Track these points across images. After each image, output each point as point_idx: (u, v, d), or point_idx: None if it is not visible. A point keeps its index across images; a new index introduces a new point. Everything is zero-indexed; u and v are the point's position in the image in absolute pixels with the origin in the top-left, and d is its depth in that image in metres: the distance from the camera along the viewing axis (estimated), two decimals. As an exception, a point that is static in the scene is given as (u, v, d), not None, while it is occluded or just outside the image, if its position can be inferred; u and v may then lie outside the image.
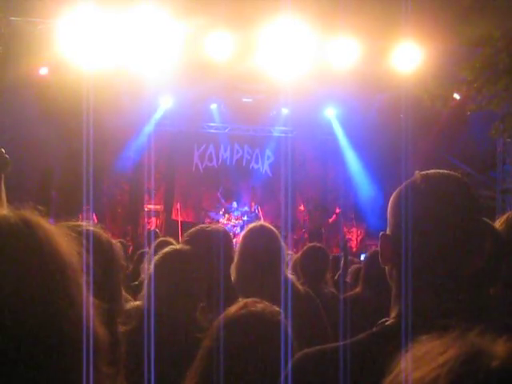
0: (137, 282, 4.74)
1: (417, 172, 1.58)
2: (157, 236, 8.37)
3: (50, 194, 13.88)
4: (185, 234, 3.82)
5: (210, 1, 9.76)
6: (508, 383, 0.76)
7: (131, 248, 11.45)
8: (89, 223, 2.11)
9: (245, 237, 3.63)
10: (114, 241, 2.19)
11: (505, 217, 2.40)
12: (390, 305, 1.56)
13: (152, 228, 15.11)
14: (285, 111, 16.68)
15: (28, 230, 1.09)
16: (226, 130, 17.48)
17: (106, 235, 2.12)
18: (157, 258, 3.05)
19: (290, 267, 4.37)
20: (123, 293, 2.27)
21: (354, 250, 16.32)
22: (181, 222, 16.42)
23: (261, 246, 3.43)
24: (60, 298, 1.07)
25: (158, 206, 17.02)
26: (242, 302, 2.09)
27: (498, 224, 2.37)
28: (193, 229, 3.76)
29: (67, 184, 12.28)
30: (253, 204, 17.28)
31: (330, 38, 10.68)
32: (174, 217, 17.05)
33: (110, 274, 2.02)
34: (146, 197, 16.45)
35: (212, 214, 16.85)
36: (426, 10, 8.66)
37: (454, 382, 0.76)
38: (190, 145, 17.64)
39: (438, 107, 11.22)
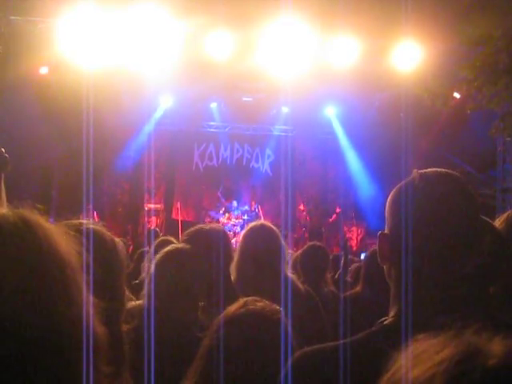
0: (137, 281, 4.75)
1: (415, 171, 1.58)
2: (157, 235, 8.40)
3: (50, 193, 13.90)
4: (183, 234, 3.83)
5: (210, 0, 9.76)
6: (504, 382, 0.76)
7: (131, 247, 11.46)
8: (91, 222, 2.11)
9: (245, 236, 3.64)
10: (117, 239, 2.19)
11: (505, 215, 2.40)
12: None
13: (152, 227, 15.12)
14: (285, 110, 16.67)
15: (27, 229, 1.09)
16: (226, 129, 17.48)
17: (109, 234, 2.12)
18: (158, 256, 3.05)
19: (289, 266, 4.37)
20: (127, 292, 2.27)
21: (355, 249, 16.32)
22: (181, 221, 16.42)
23: (261, 245, 3.44)
24: (59, 298, 1.07)
25: (159, 205, 17.02)
26: (241, 300, 2.09)
27: (498, 223, 2.36)
28: (191, 228, 3.77)
29: (67, 183, 12.29)
30: (253, 203, 17.29)
31: (330, 36, 10.68)
32: (174, 216, 17.05)
33: (113, 273, 2.02)
34: (147, 196, 16.45)
35: (212, 213, 16.86)
36: (426, 9, 8.66)
37: (450, 381, 0.76)
38: (190, 144, 17.64)
39: (438, 106, 11.21)
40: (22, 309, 1.02)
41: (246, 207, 16.90)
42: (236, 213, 16.61)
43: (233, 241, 14.85)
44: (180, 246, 3.21)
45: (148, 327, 2.41)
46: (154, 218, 16.57)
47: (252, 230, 3.61)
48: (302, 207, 17.51)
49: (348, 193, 17.34)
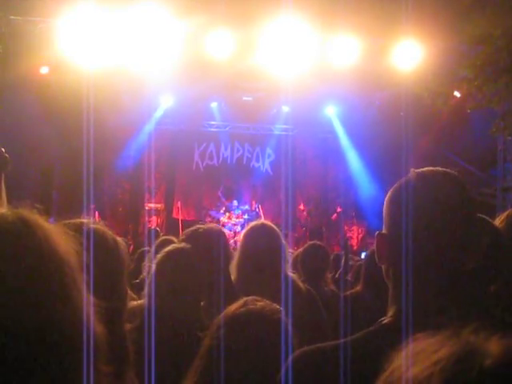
0: (138, 280, 4.75)
1: (412, 170, 1.58)
2: (157, 234, 8.40)
3: (50, 193, 13.90)
4: (181, 234, 3.83)
5: (211, -1, 9.77)
6: (501, 382, 0.76)
7: (132, 247, 11.46)
8: (93, 221, 2.11)
9: (246, 235, 3.64)
10: (119, 238, 2.19)
11: (505, 214, 2.40)
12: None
13: (153, 227, 15.12)
14: (285, 109, 16.67)
15: (26, 229, 1.09)
16: (227, 129, 17.48)
17: (110, 233, 2.11)
18: (158, 256, 3.05)
19: (290, 265, 4.37)
20: (128, 291, 2.27)
21: (355, 248, 16.32)
22: (181, 220, 16.43)
23: (262, 245, 3.44)
24: (57, 297, 1.06)
25: (159, 205, 17.03)
26: (242, 300, 2.09)
27: (499, 222, 2.36)
28: (188, 229, 3.77)
29: (68, 183, 12.30)
30: (253, 202, 17.29)
31: (330, 36, 10.68)
32: (174, 215, 17.06)
33: (114, 272, 2.02)
34: (147, 195, 16.45)
35: (213, 213, 16.86)
36: (426, 8, 8.66)
37: (446, 381, 0.76)
38: (191, 143, 17.65)
39: (439, 105, 11.22)
40: (21, 308, 1.02)
41: (247, 206, 16.90)
42: (236, 212, 16.61)
43: (233, 240, 14.91)
44: (180, 245, 3.21)
45: (149, 327, 2.42)
46: (154, 218, 16.58)
47: (252, 229, 3.61)
48: (302, 207, 17.51)
49: (348, 192, 17.34)
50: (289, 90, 11.65)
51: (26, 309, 1.03)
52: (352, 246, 16.46)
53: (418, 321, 1.37)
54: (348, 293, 4.75)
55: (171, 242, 3.69)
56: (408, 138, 9.44)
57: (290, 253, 5.58)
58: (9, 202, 2.71)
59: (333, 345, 1.51)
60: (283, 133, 17.29)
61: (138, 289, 3.60)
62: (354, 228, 17.59)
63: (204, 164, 17.81)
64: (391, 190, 1.61)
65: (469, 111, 11.24)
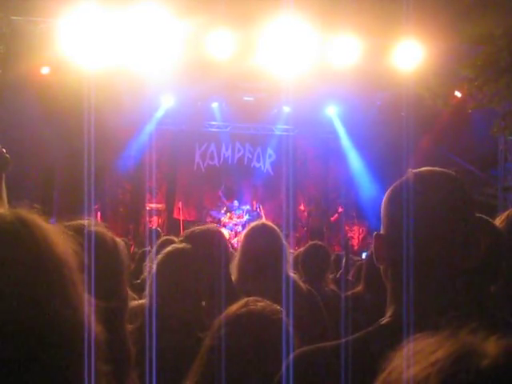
0: (139, 281, 4.75)
1: (410, 170, 1.58)
2: (158, 235, 8.41)
3: (51, 193, 13.90)
4: (181, 235, 3.83)
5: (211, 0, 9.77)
6: (498, 382, 0.76)
7: (133, 247, 11.47)
8: (92, 222, 2.11)
9: (246, 235, 3.63)
10: (118, 239, 2.19)
11: (505, 214, 2.39)
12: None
13: (154, 227, 15.13)
14: (286, 109, 16.67)
15: (24, 229, 1.09)
16: (228, 129, 17.48)
17: (110, 234, 2.12)
18: (159, 256, 3.05)
19: (291, 265, 4.37)
20: (129, 291, 2.27)
21: (356, 248, 16.32)
22: (182, 220, 16.44)
23: (262, 245, 3.44)
24: (56, 297, 1.06)
25: (160, 205, 17.03)
26: (242, 300, 2.09)
27: (499, 221, 2.36)
28: (188, 230, 3.77)
29: (69, 183, 12.30)
30: (254, 202, 17.29)
31: (331, 36, 10.68)
32: (175, 215, 17.06)
33: (114, 273, 2.02)
34: (148, 196, 16.46)
35: (214, 213, 16.86)
36: (427, 8, 8.65)
37: (444, 381, 0.77)
38: (192, 144, 17.65)
39: (440, 105, 11.23)
40: (19, 308, 1.02)
41: (248, 207, 16.89)
42: (237, 212, 16.61)
43: (234, 240, 14.92)
44: (181, 245, 3.21)
45: (150, 327, 2.42)
46: (155, 218, 16.58)
47: (253, 229, 3.61)
48: (302, 207, 17.50)
49: (349, 192, 17.33)
50: (289, 90, 11.66)
51: (24, 309, 1.02)
52: (353, 246, 16.46)
53: (416, 321, 1.37)
54: (349, 293, 4.75)
55: (172, 242, 3.68)
56: (409, 138, 9.44)
57: (291, 253, 5.59)
58: (9, 202, 2.71)
59: (331, 345, 1.51)
60: (284, 133, 17.29)
61: (139, 289, 3.61)
62: (355, 228, 17.59)
63: (205, 164, 17.81)
64: (389, 190, 1.61)
65: (470, 111, 11.24)
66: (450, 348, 0.80)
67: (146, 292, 3.02)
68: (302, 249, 5.81)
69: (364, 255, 9.73)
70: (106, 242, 2.03)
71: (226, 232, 15.42)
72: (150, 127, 16.00)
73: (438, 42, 10.24)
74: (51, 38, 10.19)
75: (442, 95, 10.97)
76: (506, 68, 9.26)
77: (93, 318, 1.14)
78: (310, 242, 5.67)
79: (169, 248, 3.10)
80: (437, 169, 1.59)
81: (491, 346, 0.80)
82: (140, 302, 3.11)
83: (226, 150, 17.87)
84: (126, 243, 8.61)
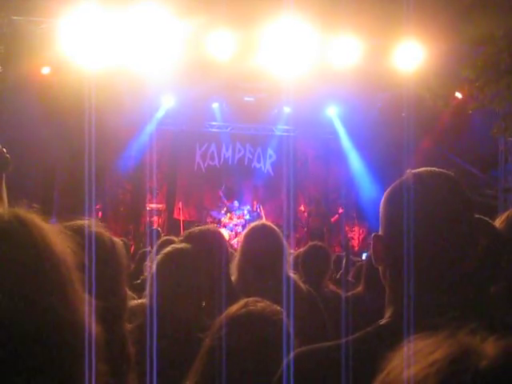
0: (139, 281, 4.76)
1: (408, 171, 1.58)
2: (159, 235, 8.40)
3: (52, 193, 13.90)
4: (181, 235, 3.83)
5: (212, 0, 9.76)
6: (496, 383, 0.76)
7: (133, 247, 11.47)
8: (91, 222, 2.12)
9: (246, 236, 3.63)
10: (116, 239, 2.20)
11: (505, 215, 2.39)
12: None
13: (154, 227, 15.13)
14: (287, 110, 16.67)
15: (22, 228, 1.09)
16: (228, 129, 17.48)
17: (107, 234, 2.12)
18: (159, 257, 3.05)
19: (290, 266, 4.37)
20: (128, 291, 2.28)
21: (356, 249, 16.33)
22: (183, 221, 16.44)
23: (262, 245, 3.44)
24: (53, 296, 1.06)
25: (160, 205, 17.03)
26: (242, 301, 2.10)
27: (499, 222, 2.36)
28: (187, 231, 3.77)
29: (69, 183, 12.30)
30: (255, 203, 17.28)
31: (331, 36, 10.68)
32: (175, 216, 17.06)
33: (112, 273, 2.02)
34: (148, 196, 16.46)
35: (214, 213, 16.85)
36: (427, 9, 8.66)
37: (442, 382, 0.77)
38: (192, 144, 17.65)
39: (440, 106, 11.22)
40: (16, 307, 1.02)
41: (248, 207, 16.89)
42: (238, 213, 16.60)
43: (234, 241, 14.91)
44: (180, 246, 3.21)
45: (150, 327, 2.42)
46: (155, 218, 16.58)
47: (253, 229, 3.61)
48: (302, 208, 17.50)
49: (350, 192, 17.33)
50: (290, 91, 11.66)
51: (21, 308, 1.02)
52: (353, 246, 16.46)
53: (415, 322, 1.37)
54: (349, 294, 4.76)
55: (172, 242, 3.69)
56: (409, 138, 9.44)
57: (291, 253, 5.59)
58: (10, 202, 2.72)
59: (330, 345, 1.51)
60: (284, 133, 17.29)
61: (139, 289, 3.61)
62: (356, 229, 17.59)
63: (205, 164, 17.81)
64: (387, 191, 1.61)
65: (470, 112, 11.24)
66: (449, 348, 0.80)
67: (146, 292, 3.02)
68: (302, 249, 5.81)
69: (364, 256, 9.74)
70: (104, 242, 2.04)
71: (226, 232, 15.43)
72: (150, 127, 16.00)
73: (439, 42, 10.23)
74: (52, 38, 10.19)
75: (442, 96, 10.96)
76: (506, 69, 9.26)
77: (92, 317, 1.14)
78: (311, 243, 5.67)
79: (168, 248, 3.11)
80: (435, 169, 1.59)
81: (490, 347, 0.80)
82: (140, 301, 3.12)
83: (227, 150, 17.87)
84: (126, 243, 8.62)
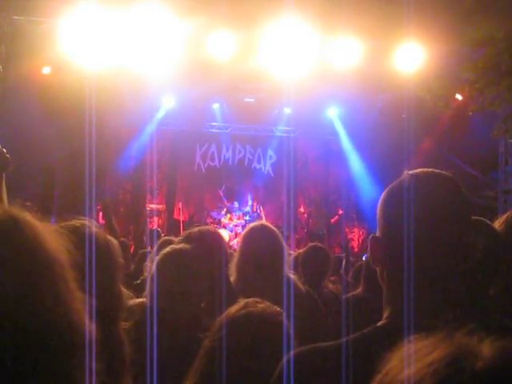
0: (139, 281, 4.75)
1: (405, 172, 1.57)
2: (159, 235, 8.41)
3: (52, 193, 13.90)
4: (180, 236, 3.83)
5: (212, 0, 9.77)
6: None
7: (133, 247, 11.46)
8: (86, 222, 2.12)
9: (245, 236, 3.63)
10: (111, 238, 2.20)
11: (504, 217, 2.39)
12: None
13: (154, 227, 15.12)
14: (287, 111, 16.67)
15: (14, 227, 1.09)
16: (228, 130, 17.48)
17: (102, 233, 2.13)
18: (158, 257, 3.06)
19: (289, 266, 4.37)
20: (124, 290, 2.28)
21: (356, 250, 16.32)
22: (182, 221, 16.44)
23: (261, 246, 3.44)
24: (46, 294, 1.06)
25: (160, 206, 17.03)
26: (242, 302, 2.09)
27: (498, 224, 2.36)
28: (186, 231, 3.76)
29: (69, 183, 12.29)
30: (255, 204, 17.28)
31: (332, 37, 10.69)
32: (175, 216, 17.06)
33: (107, 272, 2.03)
34: (148, 196, 16.46)
35: (214, 214, 16.86)
36: (428, 11, 8.66)
37: (439, 383, 0.77)
38: (192, 144, 17.65)
39: (440, 108, 11.22)
40: (8, 306, 1.01)
41: (248, 208, 16.89)
42: (238, 213, 16.60)
43: (234, 241, 14.91)
44: (179, 246, 3.21)
45: (151, 328, 2.42)
46: (155, 219, 16.58)
47: (252, 230, 3.61)
48: (302, 209, 17.50)
49: (350, 194, 17.33)
50: (290, 92, 11.66)
51: (13, 307, 1.02)
52: (353, 248, 16.45)
53: (412, 323, 1.37)
54: (349, 295, 4.76)
55: (172, 242, 3.69)
56: (410, 140, 9.44)
57: (291, 254, 5.59)
58: (10, 202, 2.72)
59: (328, 345, 1.51)
60: (285, 134, 17.29)
61: (139, 290, 3.61)
62: (355, 230, 17.58)
63: (205, 165, 17.81)
64: (385, 192, 1.60)
65: (470, 114, 11.24)
66: (446, 349, 0.80)
67: (146, 292, 3.02)
68: (301, 250, 5.81)
69: (364, 257, 9.74)
70: (99, 241, 2.04)
71: (226, 233, 15.43)
72: (150, 128, 15.99)
73: (439, 44, 10.24)
74: (52, 38, 10.20)
75: (442, 97, 10.97)
76: (507, 71, 9.26)
77: (86, 316, 1.14)
78: (310, 244, 5.67)
79: (167, 249, 3.11)
80: (433, 170, 1.58)
81: (487, 348, 0.80)
82: (139, 300, 3.12)
83: (227, 150, 17.88)
84: (126, 244, 8.62)
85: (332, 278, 6.32)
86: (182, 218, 16.61)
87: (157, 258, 3.05)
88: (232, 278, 3.45)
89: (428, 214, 1.48)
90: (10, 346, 1.01)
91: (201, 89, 13.73)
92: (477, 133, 12.24)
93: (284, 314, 2.05)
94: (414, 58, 10.71)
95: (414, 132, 10.62)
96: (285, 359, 1.51)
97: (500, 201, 12.25)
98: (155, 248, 3.94)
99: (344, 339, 1.49)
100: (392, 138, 12.72)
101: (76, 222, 2.06)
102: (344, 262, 6.65)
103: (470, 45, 9.61)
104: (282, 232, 3.66)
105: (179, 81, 12.90)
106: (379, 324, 1.52)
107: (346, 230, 17.32)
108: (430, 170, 1.58)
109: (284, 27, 9.96)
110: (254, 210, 17.07)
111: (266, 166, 18.04)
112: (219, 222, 16.38)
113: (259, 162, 18.06)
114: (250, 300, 2.09)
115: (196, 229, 3.68)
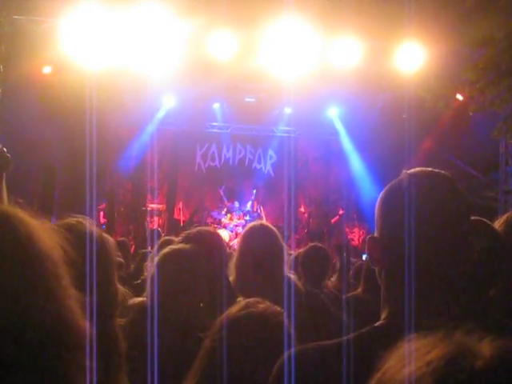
0: (139, 281, 4.76)
1: (403, 171, 1.57)
2: (159, 235, 8.41)
3: (52, 193, 13.89)
4: (179, 236, 3.82)
5: (213, 0, 9.77)
6: (491, 383, 0.77)
7: (133, 247, 11.46)
8: (81, 219, 2.13)
9: (245, 236, 3.63)
10: (106, 235, 2.21)
11: (504, 217, 2.39)
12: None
13: (154, 227, 15.12)
14: (287, 111, 16.67)
15: (6, 223, 1.08)
16: (229, 130, 17.47)
17: (98, 230, 2.13)
18: (158, 257, 3.06)
19: (291, 266, 4.37)
20: (125, 290, 2.28)
21: (356, 249, 16.30)
22: (183, 221, 16.44)
23: (261, 246, 3.43)
24: (38, 291, 1.05)
25: (161, 206, 17.03)
26: (243, 302, 2.09)
27: (498, 225, 2.36)
28: (185, 232, 3.76)
29: (70, 183, 12.29)
30: (255, 204, 17.28)
31: (332, 37, 10.69)
32: (176, 216, 17.06)
33: (102, 269, 2.02)
34: (149, 196, 16.46)
35: (214, 214, 16.86)
36: (428, 11, 8.66)
37: (438, 381, 0.77)
38: (193, 144, 17.65)
39: (441, 108, 11.21)
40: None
41: (248, 208, 16.89)
42: (238, 213, 16.61)
43: (235, 241, 14.90)
44: (178, 246, 3.21)
45: (151, 328, 2.42)
46: (156, 218, 16.58)
47: (251, 229, 3.60)
48: (302, 209, 17.50)
49: (350, 194, 17.32)
50: (291, 92, 11.67)
51: (4, 303, 1.01)
52: (353, 247, 16.44)
53: (411, 323, 1.37)
54: (349, 295, 4.75)
55: (172, 242, 3.69)
56: (410, 140, 9.45)
57: (291, 254, 5.59)
58: (10, 201, 2.72)
59: (327, 344, 1.51)
60: (285, 134, 17.29)
61: (140, 290, 3.61)
62: (356, 230, 17.58)
63: (206, 165, 17.81)
64: (383, 192, 1.60)
65: (471, 114, 11.23)
66: (445, 348, 0.80)
67: (146, 292, 3.03)
68: (301, 250, 5.80)
69: (364, 257, 9.73)
70: (94, 238, 2.04)
71: (226, 233, 15.44)
72: (151, 127, 16.00)
73: (440, 44, 10.24)
74: (53, 38, 10.20)
75: (443, 98, 10.96)
76: (507, 71, 9.25)
77: (79, 312, 1.13)
78: (311, 244, 5.67)
79: (165, 249, 3.10)
80: (431, 169, 1.58)
81: (486, 347, 0.80)
82: (138, 299, 3.12)
83: (227, 150, 17.88)
84: (126, 243, 8.63)
85: (332, 279, 6.32)
86: (182, 218, 16.61)
87: (156, 258, 3.05)
88: (231, 278, 3.45)
89: (426, 213, 1.47)
90: None
91: (201, 89, 13.73)
92: (477, 133, 12.23)
93: (285, 314, 2.05)
94: (414, 57, 10.71)
95: (415, 132, 10.62)
96: (285, 356, 1.51)
97: (500, 201, 12.25)
98: (155, 248, 3.94)
99: (341, 338, 1.49)
100: (392, 138, 12.73)
101: (71, 220, 2.07)
102: (343, 260, 6.58)
103: (470, 45, 9.61)
104: (282, 232, 3.65)
105: (180, 81, 12.90)
106: (377, 324, 1.52)
107: (347, 230, 17.32)
108: (428, 169, 1.58)
109: (284, 27, 9.96)
110: (255, 209, 17.07)
111: (267, 166, 18.05)
112: (219, 222, 16.39)
113: (259, 162, 18.07)
114: (251, 300, 2.09)
115: (195, 229, 3.68)
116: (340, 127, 17.18)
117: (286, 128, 17.18)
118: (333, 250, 15.31)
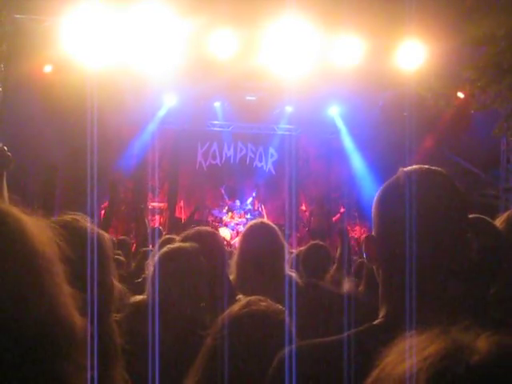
0: (140, 279, 4.75)
1: (400, 169, 1.57)
2: (160, 234, 8.41)
3: (53, 191, 13.90)
4: (179, 236, 3.82)
5: (214, -1, 9.78)
6: (487, 379, 0.77)
7: (134, 246, 11.47)
8: (77, 216, 2.13)
9: (245, 234, 3.63)
10: (102, 232, 2.21)
11: (505, 215, 2.39)
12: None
13: (156, 226, 15.12)
14: (288, 109, 16.66)
15: None
16: (230, 128, 17.47)
17: (94, 227, 2.14)
18: (158, 255, 3.06)
19: (291, 264, 4.37)
20: (118, 284, 2.28)
21: (357, 248, 16.29)
22: (184, 219, 16.44)
23: (261, 244, 3.44)
24: (30, 287, 1.05)
25: (162, 204, 17.04)
26: (244, 300, 2.09)
27: (499, 222, 2.36)
28: (185, 231, 3.76)
29: (71, 182, 12.30)
30: (256, 202, 17.28)
31: (333, 36, 10.68)
32: (177, 214, 17.07)
33: (98, 264, 2.02)
34: (150, 195, 16.46)
35: (215, 212, 16.86)
36: (429, 9, 8.66)
37: (434, 377, 0.77)
38: (194, 143, 17.65)
39: (442, 106, 11.21)
40: None
41: (249, 206, 16.89)
42: (239, 212, 16.61)
43: (236, 240, 14.91)
44: (177, 245, 3.21)
45: (152, 326, 2.42)
46: (157, 217, 16.58)
47: (252, 228, 3.60)
48: (304, 207, 17.49)
49: (351, 192, 17.31)
50: (292, 90, 11.67)
51: None
52: (354, 246, 16.43)
53: (409, 322, 1.37)
54: (350, 293, 4.75)
55: (173, 241, 3.69)
56: (411, 138, 9.44)
57: (292, 252, 5.59)
58: (11, 200, 2.72)
59: (325, 340, 1.51)
60: (286, 133, 17.29)
61: (141, 288, 3.61)
62: (357, 228, 17.57)
63: (207, 163, 17.81)
64: (380, 190, 1.60)
65: (472, 112, 11.23)
66: (442, 344, 0.81)
67: (147, 290, 3.03)
68: (302, 248, 5.80)
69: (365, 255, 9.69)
70: (89, 235, 2.05)
71: (227, 231, 15.45)
72: (152, 126, 16.01)
73: (441, 42, 10.23)
74: (54, 37, 10.20)
75: (444, 96, 10.96)
76: (508, 69, 9.25)
77: (74, 309, 1.13)
78: (311, 242, 5.67)
79: (164, 248, 3.10)
80: (428, 167, 1.57)
81: (482, 343, 0.81)
82: (138, 297, 3.12)
83: (228, 149, 17.88)
84: (127, 242, 8.63)
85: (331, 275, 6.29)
86: (183, 217, 16.61)
87: (156, 257, 3.05)
88: (232, 277, 3.45)
89: (423, 211, 1.47)
90: None
91: (202, 87, 13.73)
92: (478, 131, 12.22)
93: (286, 313, 2.05)
94: (415, 56, 10.71)
95: (416, 130, 10.62)
96: (286, 350, 1.51)
97: (501, 199, 12.24)
98: (156, 246, 3.94)
99: (340, 335, 1.50)
100: (393, 136, 12.72)
101: (67, 217, 2.07)
102: (339, 255, 6.45)
103: (471, 43, 9.60)
104: (283, 230, 3.66)
105: (181, 79, 12.90)
106: (376, 322, 1.52)
107: (348, 228, 17.31)
108: (425, 166, 1.57)
109: (285, 25, 9.96)
110: (256, 208, 17.07)
111: (268, 165, 18.04)
112: (221, 221, 16.40)
113: (261, 161, 18.06)
114: (253, 298, 2.09)
115: (193, 229, 3.68)
116: (341, 125, 17.17)
117: (287, 126, 17.18)
118: (336, 235, 15.36)
